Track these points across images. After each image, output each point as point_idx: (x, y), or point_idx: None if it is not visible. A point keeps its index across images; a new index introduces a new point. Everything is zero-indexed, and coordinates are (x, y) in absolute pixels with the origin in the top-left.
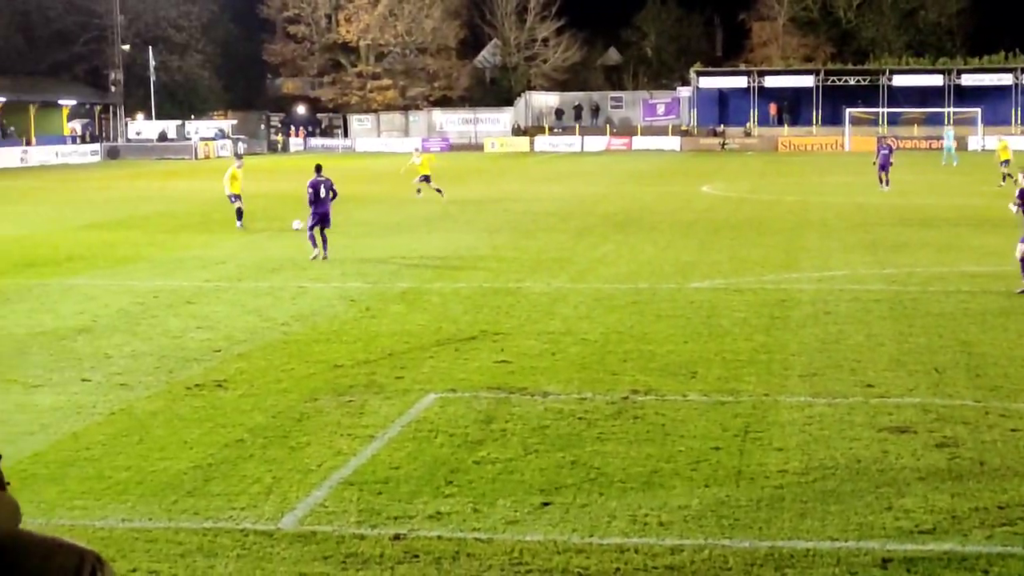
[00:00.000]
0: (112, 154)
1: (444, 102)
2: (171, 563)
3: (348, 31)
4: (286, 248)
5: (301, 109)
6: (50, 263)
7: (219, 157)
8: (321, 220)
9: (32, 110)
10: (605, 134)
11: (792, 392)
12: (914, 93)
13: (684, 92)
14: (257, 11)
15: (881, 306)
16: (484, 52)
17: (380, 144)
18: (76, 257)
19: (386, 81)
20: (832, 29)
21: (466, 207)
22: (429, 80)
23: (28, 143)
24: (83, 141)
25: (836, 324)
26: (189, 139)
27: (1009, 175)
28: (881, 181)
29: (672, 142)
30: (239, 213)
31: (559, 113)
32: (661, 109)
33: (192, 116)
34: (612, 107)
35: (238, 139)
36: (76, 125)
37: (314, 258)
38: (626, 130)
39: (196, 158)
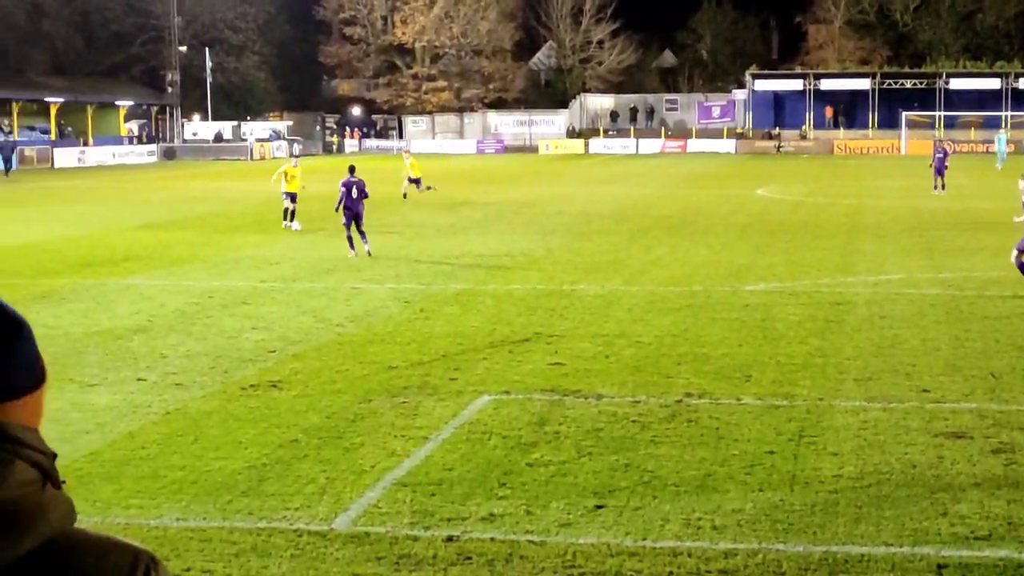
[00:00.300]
0: (168, 155)
1: (499, 104)
2: (225, 563)
3: (404, 33)
4: (340, 249)
5: (356, 110)
6: (106, 263)
7: (274, 158)
8: (354, 219)
9: (90, 111)
10: (660, 136)
11: (847, 396)
12: (971, 96)
13: (739, 95)
14: (313, 12)
15: (937, 310)
16: (539, 54)
17: (435, 146)
18: (132, 257)
19: (441, 83)
20: (889, 32)
21: (520, 209)
22: (484, 82)
23: (85, 143)
24: (140, 142)
25: (892, 328)
26: (245, 140)
27: None
28: (936, 185)
29: (727, 145)
30: (291, 214)
31: (614, 115)
32: (716, 112)
33: (248, 117)
34: (667, 109)
35: (293, 140)
36: (133, 126)
37: (353, 256)
38: (681, 132)
39: (251, 159)
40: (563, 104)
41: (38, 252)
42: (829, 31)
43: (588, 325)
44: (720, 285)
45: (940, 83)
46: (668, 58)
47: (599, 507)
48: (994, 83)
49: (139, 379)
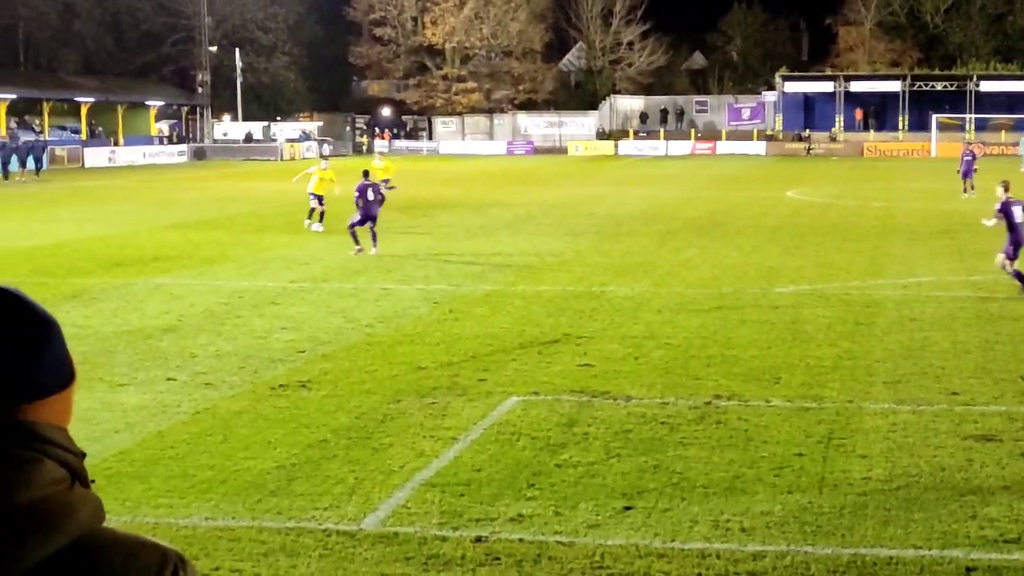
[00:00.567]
0: (198, 155)
1: (529, 105)
2: (254, 562)
3: (434, 34)
4: (368, 250)
5: (386, 111)
6: (136, 263)
7: (304, 159)
8: (367, 221)
9: (120, 111)
10: (689, 138)
11: (876, 399)
12: (1002, 99)
13: (769, 97)
14: (343, 13)
15: (967, 313)
16: (569, 55)
17: (464, 147)
18: (162, 257)
19: (471, 84)
20: (919, 34)
21: (550, 210)
22: (514, 83)
23: (116, 143)
24: (170, 142)
25: (921, 331)
26: (275, 140)
27: None
28: (965, 188)
29: (757, 147)
30: (317, 215)
31: (643, 117)
32: (746, 113)
33: (278, 118)
34: (697, 111)
35: (323, 141)
36: (163, 126)
37: (359, 253)
38: (711, 134)
39: (281, 159)
40: (593, 105)
41: (68, 251)
42: (859, 33)
43: (617, 326)
44: (750, 287)
45: (971, 85)
46: (698, 60)
47: (627, 508)
48: None
49: (169, 379)
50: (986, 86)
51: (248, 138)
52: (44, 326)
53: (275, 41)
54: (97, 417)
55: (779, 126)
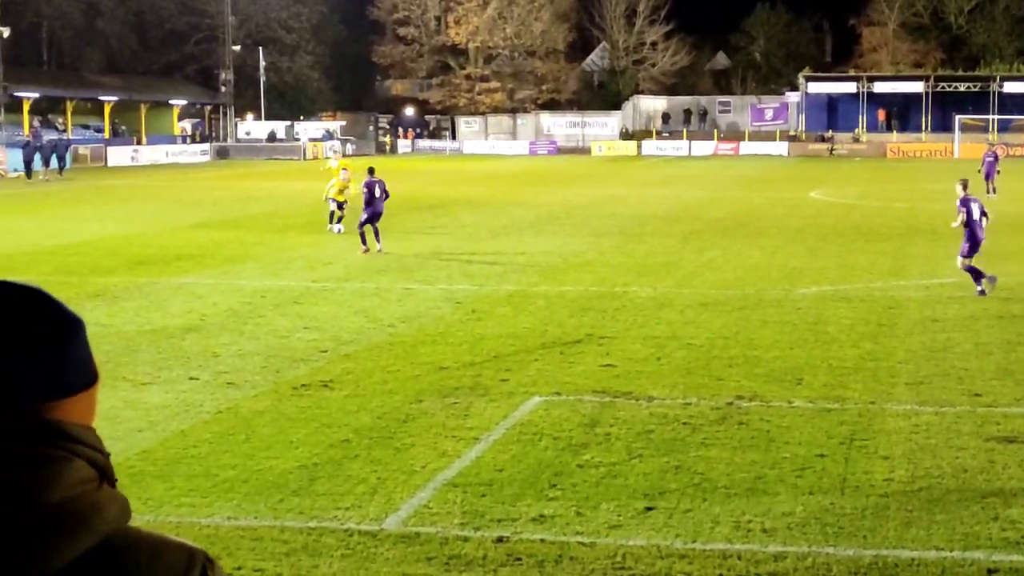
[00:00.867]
0: (221, 154)
1: (552, 105)
2: (276, 561)
3: (457, 33)
4: (392, 249)
5: (409, 111)
6: (159, 262)
7: (327, 158)
8: (373, 218)
9: (143, 109)
10: (713, 139)
11: (899, 400)
12: None
13: (792, 97)
14: (367, 13)
15: (989, 314)
16: (592, 55)
17: (487, 147)
18: (185, 256)
19: (494, 84)
20: (943, 35)
21: (573, 211)
22: (537, 83)
23: (139, 142)
24: (193, 141)
25: (944, 332)
26: (298, 140)
27: None
28: (988, 190)
29: (780, 147)
30: (338, 219)
31: (666, 117)
32: (769, 114)
33: (301, 117)
34: (720, 112)
35: (346, 140)
36: (186, 125)
37: (365, 252)
38: (734, 135)
39: (304, 159)
40: (616, 106)
41: (91, 250)
42: (883, 33)
43: (640, 327)
44: (772, 288)
45: (994, 86)
46: (721, 60)
47: (649, 509)
48: None
49: (191, 378)
50: (1009, 87)
51: (271, 137)
52: (69, 325)
53: (298, 40)
54: (120, 416)
55: (802, 127)
